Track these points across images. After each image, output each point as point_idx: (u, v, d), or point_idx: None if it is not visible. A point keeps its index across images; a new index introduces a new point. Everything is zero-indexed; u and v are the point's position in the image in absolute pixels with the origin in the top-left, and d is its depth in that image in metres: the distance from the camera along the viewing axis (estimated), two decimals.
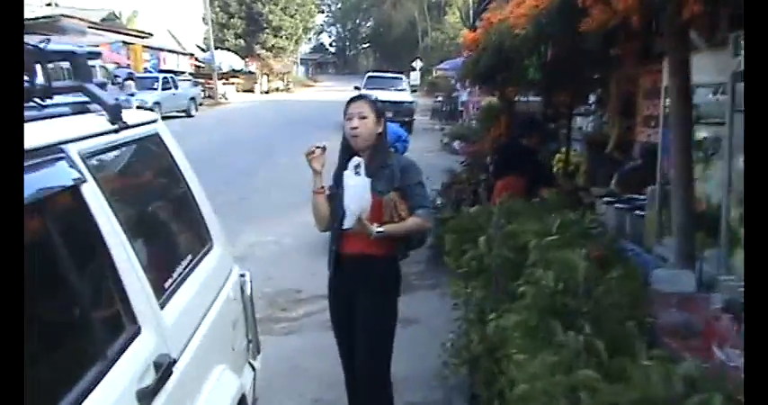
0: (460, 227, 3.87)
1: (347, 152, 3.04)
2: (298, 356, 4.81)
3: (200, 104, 26.64)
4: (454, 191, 7.23)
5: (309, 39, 63.74)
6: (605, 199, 4.65)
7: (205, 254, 2.44)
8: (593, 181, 7.67)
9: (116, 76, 20.34)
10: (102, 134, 1.89)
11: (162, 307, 1.81)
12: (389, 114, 8.29)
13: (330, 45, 77.76)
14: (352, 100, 3.10)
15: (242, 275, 2.71)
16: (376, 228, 2.90)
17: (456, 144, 7.64)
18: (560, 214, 3.59)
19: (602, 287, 2.19)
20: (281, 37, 45.03)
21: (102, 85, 2.04)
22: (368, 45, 73.78)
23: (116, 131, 1.97)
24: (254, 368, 2.68)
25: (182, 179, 2.40)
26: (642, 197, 4.56)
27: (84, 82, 1.94)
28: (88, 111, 1.97)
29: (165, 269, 2.01)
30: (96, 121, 1.94)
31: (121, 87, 19.91)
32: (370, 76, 24.70)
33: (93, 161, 1.74)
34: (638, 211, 3.98)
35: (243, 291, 2.65)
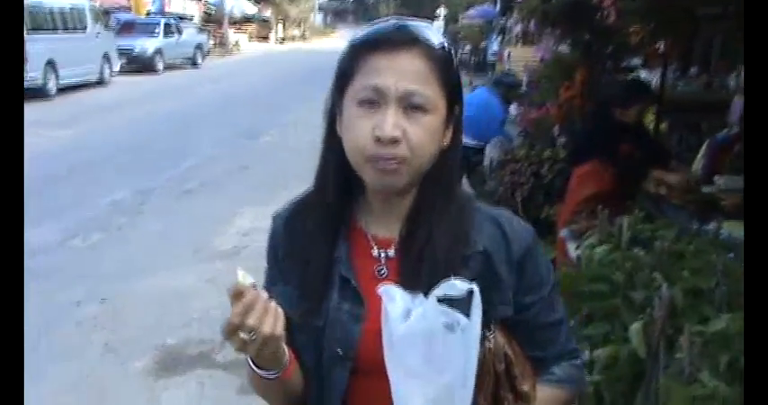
0: (573, 282, 2.11)
1: (338, 205, 1.17)
2: None
3: (208, 54, 24.72)
4: (508, 172, 5.43)
5: None
6: None
7: None
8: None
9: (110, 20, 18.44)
10: None
11: None
12: None
13: None
14: (374, 46, 1.08)
15: None
16: None
17: (513, 108, 5.82)
18: None
19: None
20: None
21: None
22: None
23: None
24: None
25: None
26: None
27: None
28: None
29: None
30: None
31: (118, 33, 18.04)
32: None
33: None
34: None
35: None
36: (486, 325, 1.06)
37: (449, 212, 1.13)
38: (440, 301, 0.95)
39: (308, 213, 1.18)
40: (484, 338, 1.07)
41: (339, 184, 1.15)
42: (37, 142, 9.51)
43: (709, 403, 1.41)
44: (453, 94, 1.12)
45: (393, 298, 0.97)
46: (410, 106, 1.05)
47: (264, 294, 0.99)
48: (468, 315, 0.95)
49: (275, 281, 1.20)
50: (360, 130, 1.06)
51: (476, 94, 6.51)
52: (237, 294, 0.96)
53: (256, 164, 8.94)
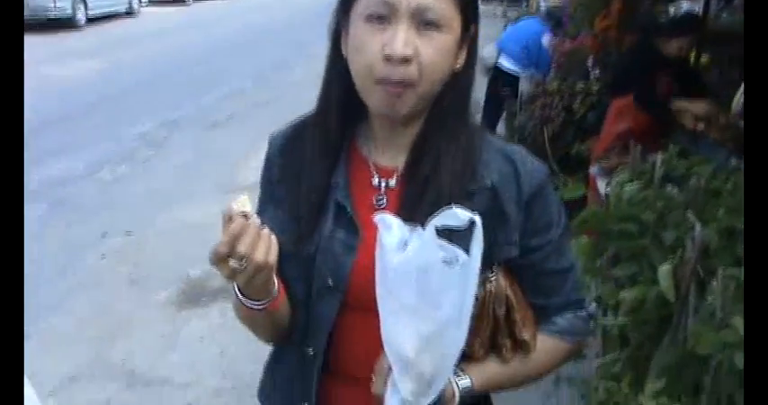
0: (601, 221, 2.00)
1: (339, 130, 1.08)
2: None
3: None
4: (539, 105, 5.22)
5: None
6: None
7: None
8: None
9: None
10: None
11: None
12: None
13: None
14: None
15: None
16: (459, 379, 1.02)
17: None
18: None
19: None
20: None
21: None
22: None
23: None
24: None
25: None
26: None
27: None
28: None
29: None
30: None
31: None
32: None
33: None
34: None
35: None
36: (488, 266, 0.98)
37: (459, 140, 1.02)
38: (439, 232, 0.85)
39: (308, 136, 1.09)
40: (485, 280, 0.99)
41: (342, 107, 1.06)
42: (65, 73, 9.50)
43: (742, 350, 1.32)
44: (469, 12, 1.01)
45: (389, 227, 0.87)
46: (423, 23, 0.95)
47: (257, 221, 0.92)
48: (467, 250, 0.85)
49: (267, 205, 1.12)
50: (368, 50, 0.96)
51: (529, 23, 6.32)
52: (228, 221, 0.90)
53: (282, 98, 8.77)
